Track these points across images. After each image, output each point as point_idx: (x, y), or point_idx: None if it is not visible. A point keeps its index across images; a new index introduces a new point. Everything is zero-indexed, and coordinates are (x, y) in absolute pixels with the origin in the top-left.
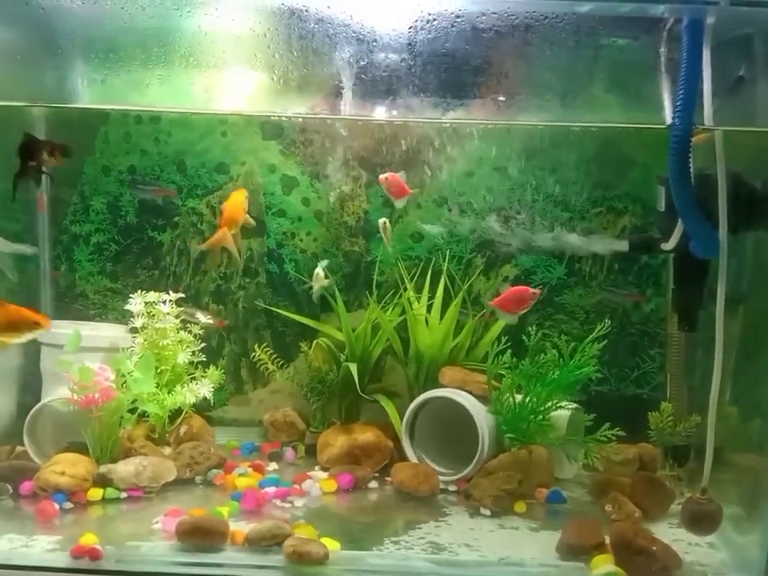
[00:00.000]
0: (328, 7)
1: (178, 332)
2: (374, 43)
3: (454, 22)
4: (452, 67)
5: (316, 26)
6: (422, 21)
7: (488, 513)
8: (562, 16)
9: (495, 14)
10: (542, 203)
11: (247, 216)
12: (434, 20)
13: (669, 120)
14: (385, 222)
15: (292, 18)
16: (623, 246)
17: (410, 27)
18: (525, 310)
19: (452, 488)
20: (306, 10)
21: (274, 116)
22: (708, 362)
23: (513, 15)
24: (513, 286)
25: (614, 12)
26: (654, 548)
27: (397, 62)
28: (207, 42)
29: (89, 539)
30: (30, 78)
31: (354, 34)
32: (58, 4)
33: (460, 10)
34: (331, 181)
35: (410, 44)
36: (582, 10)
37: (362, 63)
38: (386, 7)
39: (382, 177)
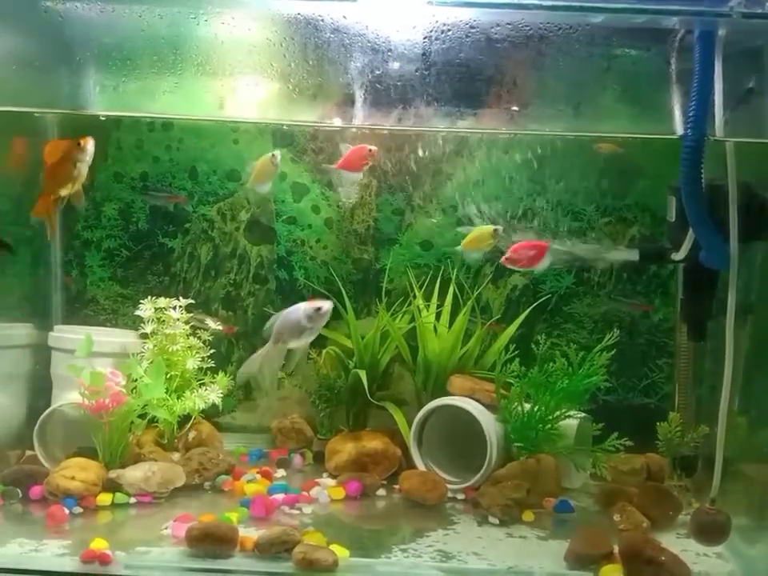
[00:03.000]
0: (344, 17)
1: (188, 338)
2: (389, 53)
3: (469, 32)
4: (466, 77)
5: (332, 36)
6: (436, 31)
7: (496, 521)
8: (575, 27)
9: (509, 24)
10: (552, 212)
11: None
12: (449, 30)
13: (680, 131)
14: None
15: (308, 28)
16: (633, 255)
17: (425, 37)
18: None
19: (460, 496)
20: (322, 20)
21: (289, 124)
22: (716, 372)
23: (527, 26)
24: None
25: (626, 23)
26: (663, 558)
27: (411, 71)
28: (223, 50)
29: (99, 544)
30: (45, 85)
31: (369, 44)
32: (76, 12)
33: (474, 21)
34: (341, 189)
35: (424, 54)
36: (595, 21)
37: (377, 72)
38: (401, 17)
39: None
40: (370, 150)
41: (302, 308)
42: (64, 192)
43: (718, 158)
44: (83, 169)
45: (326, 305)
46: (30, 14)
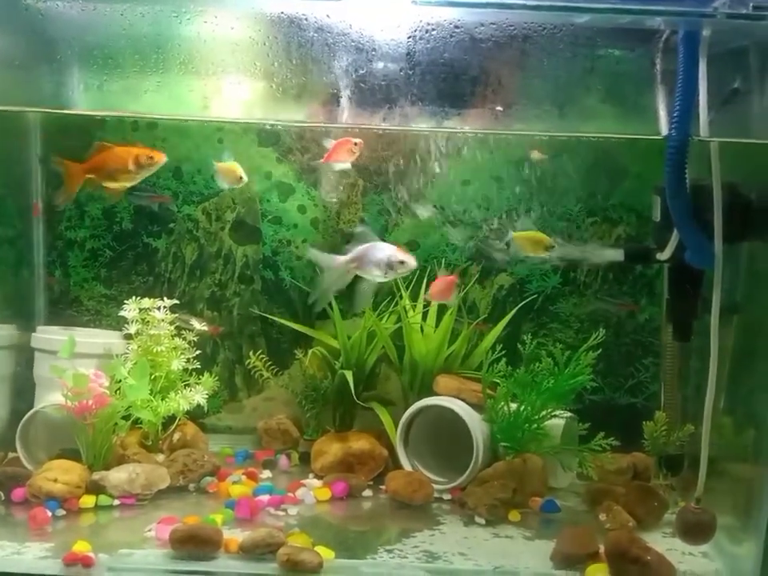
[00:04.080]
0: (327, 16)
1: (173, 339)
2: (373, 52)
3: (453, 32)
4: (450, 77)
5: (315, 35)
6: (421, 30)
7: (482, 521)
8: (559, 27)
9: (494, 24)
10: (538, 212)
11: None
12: (433, 30)
13: (665, 131)
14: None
15: (291, 27)
16: (619, 255)
17: (410, 37)
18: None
19: (446, 496)
20: (306, 19)
21: (273, 124)
22: (702, 371)
23: (511, 26)
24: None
25: (611, 23)
26: (649, 557)
27: (396, 71)
28: (206, 49)
29: (82, 547)
30: (27, 84)
31: (353, 43)
32: (57, 10)
33: (459, 20)
34: (327, 188)
35: (408, 53)
36: (579, 21)
37: (361, 72)
38: (385, 17)
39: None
40: (355, 144)
41: (389, 253)
42: (108, 183)
43: (702, 157)
44: (138, 176)
45: (411, 262)
46: (9, 11)
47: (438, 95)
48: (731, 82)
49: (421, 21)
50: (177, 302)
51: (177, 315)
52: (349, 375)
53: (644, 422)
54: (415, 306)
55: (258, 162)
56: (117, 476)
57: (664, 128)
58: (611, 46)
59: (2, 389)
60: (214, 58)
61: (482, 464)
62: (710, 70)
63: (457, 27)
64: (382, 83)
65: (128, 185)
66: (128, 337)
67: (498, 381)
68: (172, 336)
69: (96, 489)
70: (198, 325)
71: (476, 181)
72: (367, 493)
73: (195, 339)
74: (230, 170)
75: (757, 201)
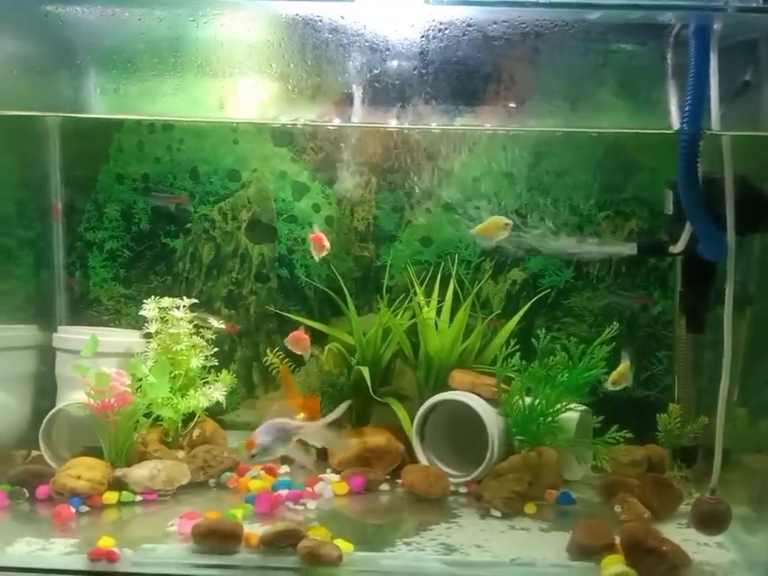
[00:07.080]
0: (341, 17)
1: (191, 337)
2: (387, 52)
3: (466, 30)
4: (463, 74)
5: (330, 36)
6: (434, 29)
7: (498, 514)
8: (571, 23)
9: (506, 21)
10: (551, 207)
11: None
12: (446, 28)
13: (677, 125)
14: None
15: (306, 28)
16: (632, 249)
17: (423, 36)
18: None
19: (462, 490)
20: (320, 20)
21: (288, 124)
22: (716, 363)
23: (523, 23)
24: None
25: (622, 19)
26: (664, 548)
27: (409, 69)
28: (223, 51)
29: (106, 542)
30: (47, 88)
31: (367, 43)
32: (76, 16)
33: (471, 19)
34: (341, 187)
35: (422, 52)
36: (591, 18)
37: (375, 71)
38: (399, 17)
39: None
40: (323, 245)
41: None
42: None
43: (714, 150)
44: None
45: None
46: (30, 18)
47: (451, 93)
48: (742, 75)
49: (434, 20)
50: (195, 300)
51: (195, 314)
52: (365, 371)
53: (658, 414)
54: (429, 301)
55: (272, 162)
56: (139, 472)
57: (676, 122)
58: (623, 42)
59: (24, 388)
60: (230, 60)
61: (498, 457)
62: (721, 63)
63: (469, 26)
64: (396, 82)
65: None
66: (148, 336)
67: (513, 375)
68: (191, 334)
69: (118, 485)
70: (216, 323)
71: (488, 177)
72: (384, 487)
73: (213, 337)
74: (494, 223)
75: None
